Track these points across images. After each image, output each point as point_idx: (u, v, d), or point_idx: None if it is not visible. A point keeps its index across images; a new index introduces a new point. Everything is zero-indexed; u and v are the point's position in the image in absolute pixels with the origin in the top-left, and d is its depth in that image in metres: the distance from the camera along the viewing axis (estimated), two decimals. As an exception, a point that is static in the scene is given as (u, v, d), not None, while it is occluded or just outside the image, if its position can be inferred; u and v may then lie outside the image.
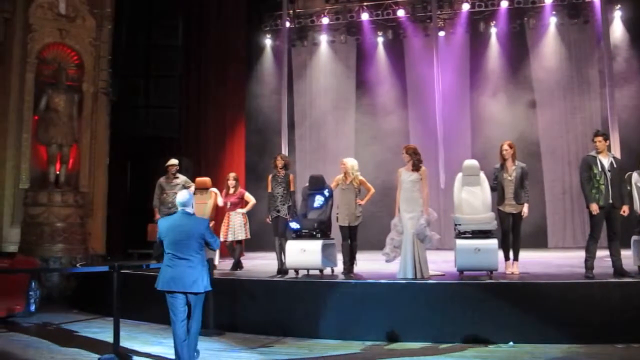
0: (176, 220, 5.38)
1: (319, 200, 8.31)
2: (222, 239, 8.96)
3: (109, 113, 12.01)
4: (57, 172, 11.07)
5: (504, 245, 7.63)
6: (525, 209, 7.53)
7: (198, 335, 5.42)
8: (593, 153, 7.00)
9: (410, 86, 14.56)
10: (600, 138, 6.96)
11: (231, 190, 9.39)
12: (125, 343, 6.30)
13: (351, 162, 8.13)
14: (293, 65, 14.89)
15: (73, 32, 11.35)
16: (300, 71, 15.35)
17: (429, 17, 13.74)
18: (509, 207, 7.57)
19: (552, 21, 13.83)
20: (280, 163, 8.43)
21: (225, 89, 13.68)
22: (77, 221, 11.01)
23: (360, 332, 6.67)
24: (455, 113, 13.65)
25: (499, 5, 13.77)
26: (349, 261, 7.92)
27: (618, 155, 8.52)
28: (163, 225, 5.41)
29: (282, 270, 8.15)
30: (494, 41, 14.22)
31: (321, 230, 8.04)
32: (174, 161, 9.45)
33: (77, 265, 10.39)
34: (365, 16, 14.51)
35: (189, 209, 5.40)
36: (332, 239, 8.32)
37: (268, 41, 15.38)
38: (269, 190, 8.43)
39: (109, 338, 6.11)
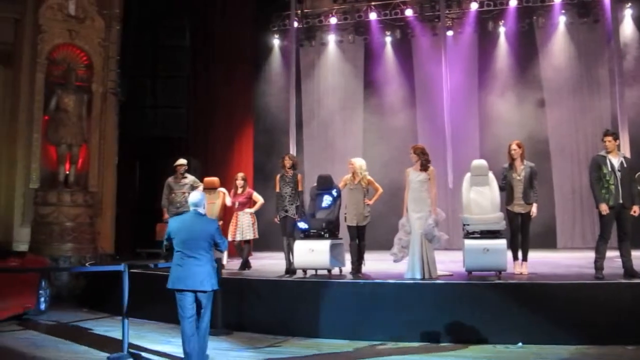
0: (187, 219, 5.49)
1: (327, 200, 8.31)
2: (230, 239, 8.99)
3: (118, 113, 12.09)
4: (67, 172, 11.15)
5: (512, 246, 7.58)
6: (534, 209, 7.49)
7: (208, 334, 5.47)
8: (603, 153, 6.95)
9: (418, 86, 14.53)
10: (609, 137, 6.91)
11: (239, 190, 9.41)
12: (133, 342, 6.33)
13: (359, 162, 8.13)
14: (301, 65, 14.90)
15: (82, 32, 11.42)
16: (308, 71, 15.36)
17: (437, 17, 13.71)
18: (518, 207, 7.53)
19: (562, 20, 13.76)
20: (288, 163, 8.44)
21: (232, 89, 13.70)
22: (86, 221, 11.09)
23: (368, 332, 6.66)
24: (463, 112, 13.60)
25: (507, 4, 13.72)
26: (357, 261, 7.92)
27: (628, 155, 8.45)
28: (174, 224, 5.53)
29: (290, 270, 8.15)
30: (502, 40, 14.17)
31: (329, 230, 8.04)
32: (182, 161, 9.49)
33: (87, 264, 10.45)
34: (373, 16, 14.49)
35: (200, 209, 5.52)
36: (340, 238, 8.31)
37: (276, 41, 15.39)
38: (277, 190, 8.44)
39: (118, 336, 6.15)
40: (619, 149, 7.09)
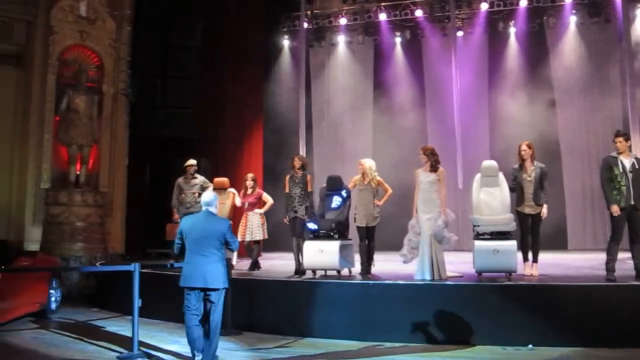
0: (199, 218, 5.59)
1: (336, 200, 8.31)
2: (239, 239, 9.00)
3: (128, 114, 12.14)
4: (78, 172, 11.21)
5: (523, 247, 7.55)
6: (544, 210, 7.45)
7: (219, 333, 5.50)
8: (614, 154, 6.90)
9: (428, 86, 14.49)
10: (621, 138, 6.85)
11: (249, 191, 9.43)
12: (143, 341, 6.36)
13: (369, 163, 8.12)
14: (311, 66, 14.91)
15: (93, 34, 11.49)
16: (318, 72, 15.36)
17: (447, 17, 13.69)
18: (528, 208, 7.49)
19: (572, 20, 13.67)
20: (297, 163, 8.45)
21: (242, 90, 13.72)
22: (97, 221, 11.15)
23: (378, 333, 6.65)
24: (473, 113, 13.55)
25: (518, 4, 13.64)
26: (367, 262, 7.92)
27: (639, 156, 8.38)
28: (186, 223, 5.62)
29: (300, 270, 8.16)
30: (512, 41, 14.09)
31: (339, 230, 8.04)
32: (192, 161, 9.53)
33: (97, 264, 10.51)
34: (383, 16, 14.47)
35: (212, 209, 5.64)
36: (350, 239, 8.32)
37: (286, 42, 15.40)
38: (287, 190, 8.45)
39: (128, 335, 6.18)
40: (630, 150, 7.03)
